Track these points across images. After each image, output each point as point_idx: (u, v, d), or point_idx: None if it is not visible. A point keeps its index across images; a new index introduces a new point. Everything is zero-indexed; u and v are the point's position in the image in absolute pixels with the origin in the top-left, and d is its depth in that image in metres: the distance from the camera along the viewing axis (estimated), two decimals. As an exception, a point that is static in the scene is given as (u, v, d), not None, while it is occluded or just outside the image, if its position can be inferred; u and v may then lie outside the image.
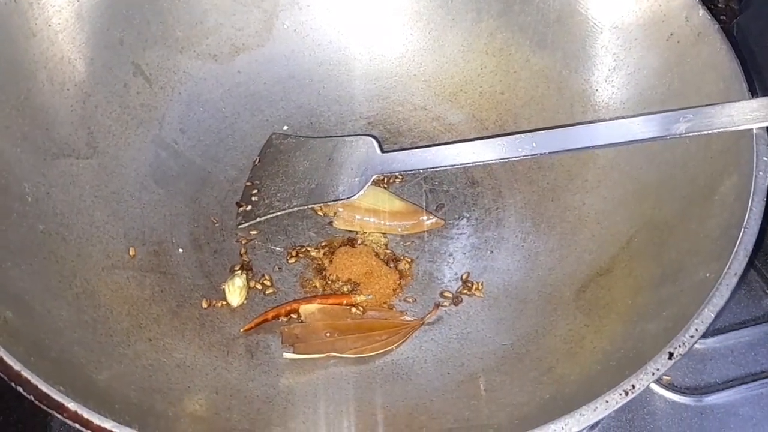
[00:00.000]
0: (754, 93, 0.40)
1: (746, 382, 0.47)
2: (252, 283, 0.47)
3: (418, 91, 0.57)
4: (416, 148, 0.51)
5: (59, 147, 0.47)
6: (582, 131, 0.45)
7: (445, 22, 0.56)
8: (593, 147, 0.44)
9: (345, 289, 0.47)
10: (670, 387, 0.47)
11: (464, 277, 0.47)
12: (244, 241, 0.49)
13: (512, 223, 0.50)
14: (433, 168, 0.48)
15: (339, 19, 0.57)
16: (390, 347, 0.44)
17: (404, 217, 0.50)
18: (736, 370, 0.48)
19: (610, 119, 0.47)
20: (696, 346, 0.48)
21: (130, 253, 0.46)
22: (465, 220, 0.51)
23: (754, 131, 0.38)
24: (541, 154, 0.44)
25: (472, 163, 0.46)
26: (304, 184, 0.50)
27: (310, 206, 0.49)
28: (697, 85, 0.44)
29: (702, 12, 0.45)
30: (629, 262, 0.43)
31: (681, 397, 0.46)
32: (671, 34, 0.46)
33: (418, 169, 0.48)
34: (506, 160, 0.45)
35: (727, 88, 0.42)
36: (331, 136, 0.54)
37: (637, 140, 0.43)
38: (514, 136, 0.45)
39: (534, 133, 0.45)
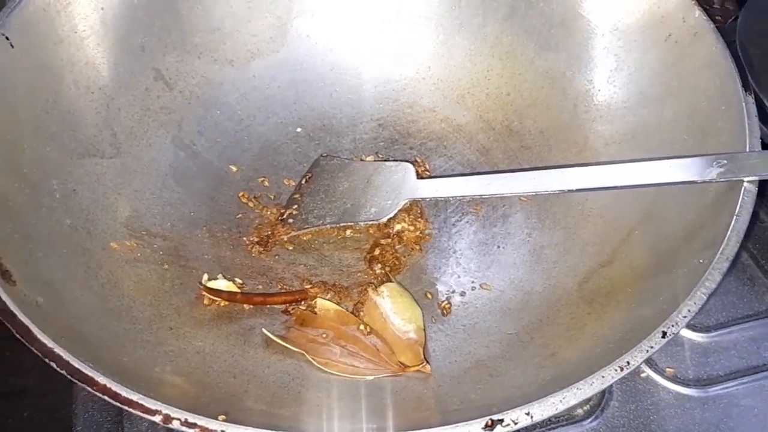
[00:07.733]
0: (747, 90, 0.42)
1: (748, 375, 0.48)
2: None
3: (427, 93, 0.59)
4: (448, 176, 0.52)
5: (85, 147, 0.49)
6: (619, 170, 0.44)
7: (453, 27, 0.58)
8: (625, 186, 0.43)
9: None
10: (674, 379, 0.47)
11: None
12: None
13: (518, 219, 0.52)
14: (462, 196, 0.49)
15: (350, 25, 0.59)
16: (356, 375, 0.42)
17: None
18: (738, 363, 0.48)
19: (644, 160, 0.44)
20: (700, 339, 0.50)
21: (153, 247, 0.48)
22: (473, 216, 0.52)
23: (746, 124, 0.40)
24: (570, 190, 0.44)
25: (500, 194, 0.47)
26: (340, 203, 0.51)
27: (341, 225, 0.50)
28: (694, 84, 0.46)
29: (698, 13, 0.46)
30: (629, 253, 0.45)
31: (685, 388, 0.47)
32: (669, 35, 0.48)
33: (449, 197, 0.50)
34: (534, 193, 0.45)
35: (722, 85, 0.43)
36: (375, 161, 0.55)
37: (670, 182, 0.41)
38: (546, 170, 0.45)
39: (565, 169, 0.45)
